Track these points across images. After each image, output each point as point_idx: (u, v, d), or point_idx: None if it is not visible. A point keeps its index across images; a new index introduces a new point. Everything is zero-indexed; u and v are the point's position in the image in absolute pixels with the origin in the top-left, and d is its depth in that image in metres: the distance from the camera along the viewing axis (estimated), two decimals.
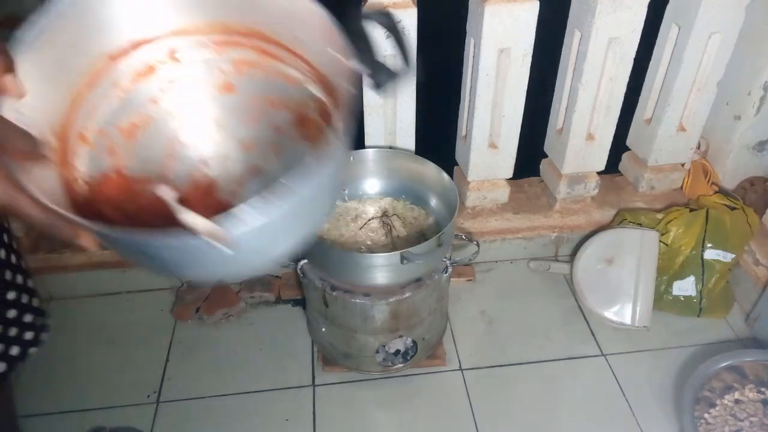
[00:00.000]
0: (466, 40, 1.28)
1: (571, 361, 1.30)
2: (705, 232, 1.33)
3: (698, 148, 1.48)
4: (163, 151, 0.63)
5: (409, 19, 1.13)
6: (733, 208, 1.36)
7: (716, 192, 1.44)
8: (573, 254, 1.47)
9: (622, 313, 1.34)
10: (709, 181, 1.47)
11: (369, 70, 0.55)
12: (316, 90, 0.61)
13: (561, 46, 1.34)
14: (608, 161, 1.43)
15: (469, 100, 1.32)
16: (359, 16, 0.56)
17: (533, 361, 1.30)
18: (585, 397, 1.24)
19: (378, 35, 0.56)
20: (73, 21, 0.51)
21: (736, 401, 1.14)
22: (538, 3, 1.15)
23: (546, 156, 1.51)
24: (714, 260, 1.33)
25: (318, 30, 0.53)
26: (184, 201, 0.54)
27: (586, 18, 1.21)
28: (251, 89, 0.63)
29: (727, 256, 1.33)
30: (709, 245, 1.33)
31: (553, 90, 1.40)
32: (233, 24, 0.59)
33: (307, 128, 0.62)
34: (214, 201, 0.63)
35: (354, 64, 0.51)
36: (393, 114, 1.28)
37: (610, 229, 1.41)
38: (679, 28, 1.28)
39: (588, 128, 1.36)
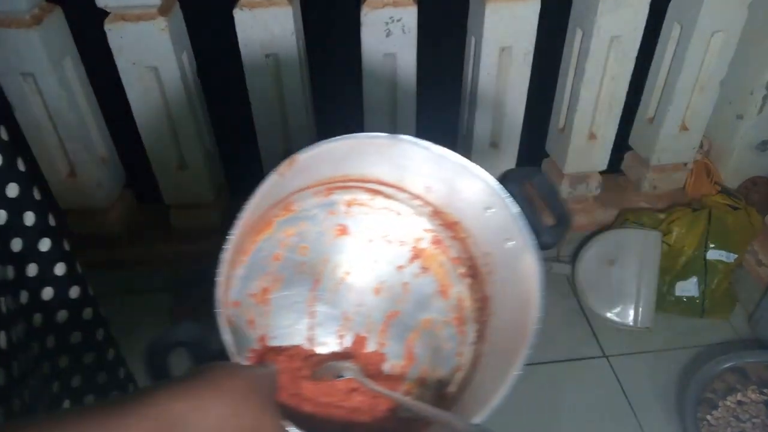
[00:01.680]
0: (467, 39, 1.27)
1: (573, 363, 1.29)
2: (708, 232, 1.32)
3: (701, 147, 1.47)
4: (300, 311, 0.60)
5: (409, 18, 1.12)
6: (735, 208, 1.35)
7: (719, 192, 1.43)
8: (575, 255, 1.46)
9: (624, 313, 1.34)
10: (711, 180, 1.46)
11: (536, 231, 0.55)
12: (430, 222, 0.61)
13: (563, 45, 1.33)
14: (610, 161, 1.42)
15: (470, 100, 1.31)
16: (518, 178, 0.59)
17: (534, 363, 1.27)
18: (587, 398, 1.23)
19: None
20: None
21: (739, 403, 1.13)
22: (539, 1, 1.14)
23: (548, 155, 1.50)
24: (717, 261, 1.32)
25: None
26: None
27: (587, 16, 1.21)
28: (365, 229, 0.61)
29: (729, 257, 1.32)
30: (712, 245, 1.32)
31: (555, 89, 1.39)
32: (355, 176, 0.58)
33: (424, 260, 0.62)
34: (363, 355, 0.60)
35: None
36: (393, 114, 1.28)
37: (613, 230, 1.40)
38: (682, 27, 1.28)
39: (590, 127, 1.36)
